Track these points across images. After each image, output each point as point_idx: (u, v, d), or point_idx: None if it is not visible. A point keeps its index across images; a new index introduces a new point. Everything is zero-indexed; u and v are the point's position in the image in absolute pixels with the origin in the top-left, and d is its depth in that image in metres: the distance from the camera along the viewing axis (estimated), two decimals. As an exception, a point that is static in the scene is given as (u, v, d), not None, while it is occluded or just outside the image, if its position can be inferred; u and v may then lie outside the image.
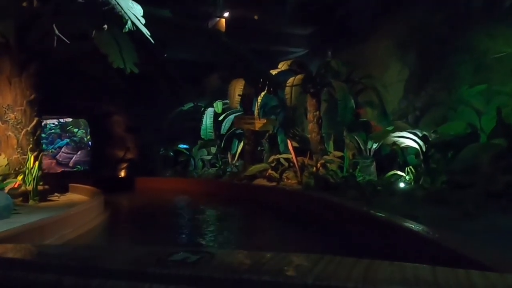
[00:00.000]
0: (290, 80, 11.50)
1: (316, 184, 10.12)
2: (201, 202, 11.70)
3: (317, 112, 12.68)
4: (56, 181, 14.12)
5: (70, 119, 23.39)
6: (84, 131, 23.12)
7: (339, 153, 12.37)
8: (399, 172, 10.06)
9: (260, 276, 1.59)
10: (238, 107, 12.52)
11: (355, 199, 7.61)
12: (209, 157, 17.86)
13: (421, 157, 8.63)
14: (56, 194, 9.60)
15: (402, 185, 8.85)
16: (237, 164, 16.38)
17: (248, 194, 11.78)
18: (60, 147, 23.26)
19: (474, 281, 1.56)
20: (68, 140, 23.34)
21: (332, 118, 13.93)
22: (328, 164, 11.59)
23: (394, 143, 8.84)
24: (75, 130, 23.42)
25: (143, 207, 11.36)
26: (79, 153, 23.01)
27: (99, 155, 20.74)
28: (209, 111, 17.06)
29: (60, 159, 22.94)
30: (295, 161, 11.97)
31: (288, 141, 12.64)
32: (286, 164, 12.61)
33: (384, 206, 6.30)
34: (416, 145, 8.68)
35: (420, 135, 8.58)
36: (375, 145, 10.84)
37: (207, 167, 17.63)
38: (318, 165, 11.72)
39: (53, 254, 2.23)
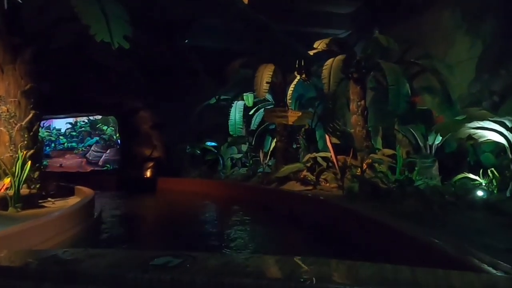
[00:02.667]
0: (329, 61, 9.44)
1: (362, 190, 8.01)
2: (216, 213, 9.94)
3: (362, 102, 10.50)
4: (72, 182, 13.00)
5: (100, 117, 22.62)
6: (113, 128, 22.27)
7: (389, 151, 10.13)
8: (471, 175, 7.73)
9: (242, 279, 1.64)
10: (266, 96, 10.58)
11: (417, 214, 5.48)
12: (240, 155, 16.16)
13: (510, 156, 6.28)
14: (49, 198, 8.21)
15: (480, 193, 6.55)
16: (269, 163, 14.53)
17: (276, 202, 9.84)
18: (90, 145, 22.59)
19: (452, 281, 1.65)
20: (97, 138, 22.62)
21: (380, 108, 11.67)
22: (376, 165, 9.41)
23: (470, 136, 6.54)
24: (104, 127, 22.64)
25: (143, 217, 9.65)
26: (108, 151, 22.20)
27: (127, 153, 19.74)
28: (238, 105, 15.32)
29: (90, 158, 22.25)
30: (334, 160, 9.89)
31: (327, 137, 10.57)
32: (324, 164, 10.55)
33: (469, 230, 4.14)
34: (502, 140, 6.34)
35: (510, 125, 6.23)
36: (437, 141, 8.53)
37: (238, 166, 15.93)
38: (364, 165, 9.57)
39: (32, 258, 2.17)
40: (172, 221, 8.49)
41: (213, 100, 16.02)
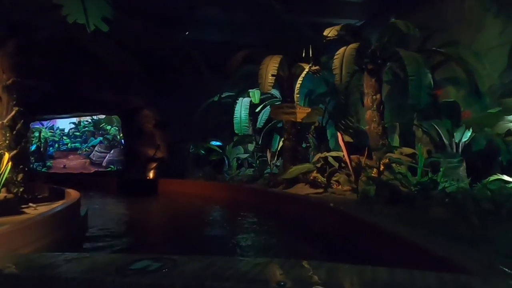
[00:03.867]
0: (341, 50, 8.49)
1: (379, 193, 7.05)
2: (213, 220, 8.90)
3: (378, 96, 9.51)
4: (70, 184, 12.28)
5: (103, 116, 21.99)
6: (117, 128, 21.61)
7: (409, 150, 9.15)
8: (506, 177, 6.71)
9: (222, 282, 1.63)
10: (271, 90, 9.63)
11: (449, 225, 4.51)
12: (246, 155, 15.27)
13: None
14: (31, 204, 7.43)
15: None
16: (277, 163, 13.62)
17: (283, 207, 8.88)
18: (94, 146, 21.97)
19: (429, 282, 1.67)
20: (101, 138, 21.98)
21: (397, 103, 10.70)
22: (394, 165, 8.43)
23: (510, 131, 5.52)
24: (108, 127, 21.99)
25: (130, 226, 8.46)
26: (112, 152, 21.56)
27: (131, 154, 19.06)
28: (244, 102, 14.45)
29: (94, 159, 21.65)
30: (348, 160, 8.92)
31: (339, 135, 9.61)
32: (336, 164, 9.60)
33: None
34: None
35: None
36: (465, 138, 7.52)
37: (245, 167, 15.05)
38: (381, 166, 8.61)
39: (7, 263, 2.09)
40: (164, 233, 7.57)
41: (216, 97, 15.16)
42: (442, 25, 9.28)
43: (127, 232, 7.47)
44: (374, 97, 9.50)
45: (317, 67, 9.99)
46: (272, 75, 9.21)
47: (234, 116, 14.11)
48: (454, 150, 7.64)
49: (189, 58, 13.51)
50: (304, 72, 9.53)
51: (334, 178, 9.25)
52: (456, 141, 7.63)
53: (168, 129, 16.77)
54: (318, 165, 9.86)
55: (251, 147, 15.18)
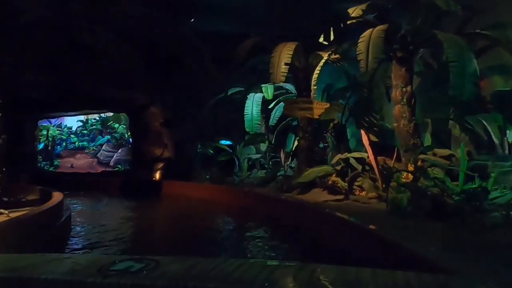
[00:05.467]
0: (366, 33, 7.21)
1: (415, 204, 5.77)
2: (213, 237, 6.98)
3: (408, 88, 8.20)
4: (70, 185, 11.41)
5: (111, 114, 21.14)
6: (124, 126, 20.71)
7: (445, 151, 7.84)
8: None
9: (206, 283, 1.63)
10: (283, 81, 8.37)
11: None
12: (258, 156, 14.09)
13: None
14: (2, 210, 6.41)
15: None
16: (292, 165, 12.40)
17: (296, 218, 7.61)
18: (101, 145, 21.15)
19: (410, 281, 1.71)
20: (109, 136, 21.14)
21: (429, 96, 9.35)
22: (430, 169, 7.11)
23: None
24: (116, 125, 21.11)
25: (116, 235, 7.14)
26: (119, 151, 20.68)
27: (138, 153, 18.12)
28: (256, 97, 13.26)
29: (101, 158, 20.82)
30: (374, 163, 7.67)
31: (363, 133, 8.35)
32: (359, 167, 8.33)
33: None
34: None
35: None
36: (520, 137, 6.16)
37: (257, 168, 13.87)
38: (410, 168, 7.32)
39: None
40: (154, 247, 6.39)
41: (232, 91, 13.99)
42: (485, 5, 7.89)
43: (105, 245, 6.25)
44: (404, 89, 8.18)
45: (337, 56, 8.73)
46: (286, 64, 7.99)
47: (245, 113, 12.93)
48: (507, 152, 6.27)
49: (195, 50, 12.41)
50: (323, 61, 8.28)
51: (357, 183, 7.99)
52: (510, 140, 6.27)
53: (176, 126, 15.71)
54: (338, 167, 8.60)
55: (263, 146, 14.00)
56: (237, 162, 13.99)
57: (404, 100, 8.15)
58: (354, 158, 8.54)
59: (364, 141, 8.17)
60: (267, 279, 1.63)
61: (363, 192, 7.84)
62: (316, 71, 8.44)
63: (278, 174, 11.87)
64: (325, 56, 8.48)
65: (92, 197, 12.71)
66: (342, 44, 8.17)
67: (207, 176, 13.63)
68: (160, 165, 16.34)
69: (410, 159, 7.89)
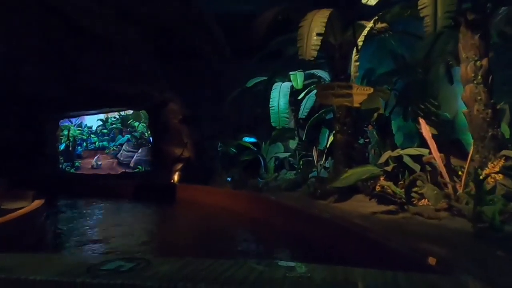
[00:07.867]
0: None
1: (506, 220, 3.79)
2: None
3: (484, 62, 6.14)
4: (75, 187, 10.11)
5: (131, 112, 19.96)
6: (144, 125, 19.47)
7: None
8: None
9: (196, 284, 1.59)
10: (315, 56, 6.39)
11: None
12: (286, 154, 12.30)
13: None
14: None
15: None
16: (326, 165, 10.51)
17: (334, 243, 5.62)
18: (121, 144, 20.01)
19: (400, 281, 1.70)
20: (129, 136, 19.96)
21: (508, 75, 7.23)
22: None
23: None
24: (136, 124, 19.90)
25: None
26: (140, 151, 19.46)
27: (157, 153, 16.85)
28: (283, 87, 11.49)
29: (121, 159, 19.69)
30: (440, 163, 5.68)
31: (422, 124, 6.37)
32: (417, 167, 6.33)
33: None
34: None
35: None
36: None
37: (286, 168, 12.08)
38: (497, 169, 5.28)
39: None
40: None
41: (255, 81, 12.28)
42: None
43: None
44: (477, 62, 6.13)
45: (384, 24, 6.77)
46: (318, 34, 6.10)
47: (271, 105, 11.18)
48: None
49: (210, 35, 10.74)
50: (366, 29, 6.33)
51: (416, 189, 6.00)
52: None
53: (195, 124, 14.18)
54: (388, 168, 6.63)
55: (292, 144, 12.21)
56: (262, 162, 12.23)
57: (479, 77, 6.09)
58: (410, 156, 6.55)
59: (424, 134, 6.20)
60: (257, 279, 1.63)
61: (425, 201, 5.85)
62: (359, 42, 6.47)
63: (310, 175, 10.01)
64: (369, 25, 6.52)
65: (95, 201, 11.41)
66: (392, 7, 6.20)
67: (228, 179, 11.96)
68: (179, 165, 14.90)
69: (488, 156, 5.86)
